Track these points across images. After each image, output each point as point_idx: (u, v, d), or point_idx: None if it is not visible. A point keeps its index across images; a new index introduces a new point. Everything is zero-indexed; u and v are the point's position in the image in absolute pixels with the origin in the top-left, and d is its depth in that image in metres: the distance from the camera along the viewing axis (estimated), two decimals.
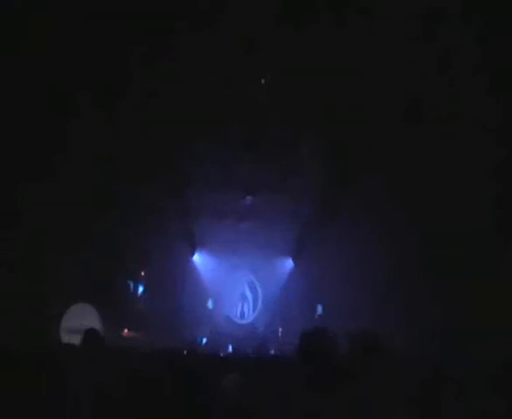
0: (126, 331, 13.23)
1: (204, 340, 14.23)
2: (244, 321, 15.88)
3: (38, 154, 8.84)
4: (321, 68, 8.70)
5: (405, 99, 8.90)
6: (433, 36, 7.98)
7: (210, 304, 15.60)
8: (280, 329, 14.59)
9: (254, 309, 16.08)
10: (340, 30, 7.98)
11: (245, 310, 16.08)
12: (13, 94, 7.91)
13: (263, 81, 9.83)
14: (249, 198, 13.70)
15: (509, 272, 8.74)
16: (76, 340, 5.68)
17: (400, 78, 8.50)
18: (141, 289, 14.65)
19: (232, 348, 13.58)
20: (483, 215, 9.00)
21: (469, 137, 8.54)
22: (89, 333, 5.13)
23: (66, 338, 10.23)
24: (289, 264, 15.86)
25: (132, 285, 14.18)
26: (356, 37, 8.05)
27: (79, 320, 10.48)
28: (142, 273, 14.33)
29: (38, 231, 9.93)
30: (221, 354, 11.75)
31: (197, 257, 15.97)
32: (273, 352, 12.98)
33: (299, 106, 9.60)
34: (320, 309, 14.55)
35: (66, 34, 7.71)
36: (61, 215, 10.24)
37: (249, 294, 16.18)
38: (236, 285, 16.21)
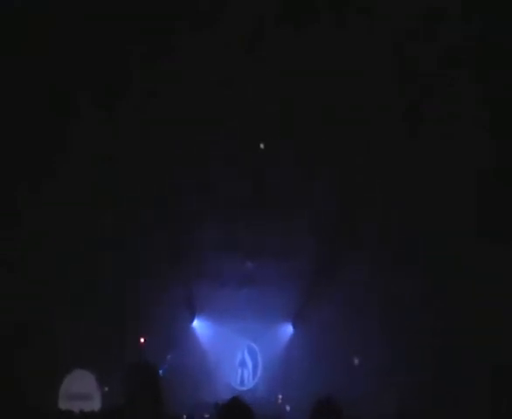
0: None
1: None
2: (244, 388, 15.77)
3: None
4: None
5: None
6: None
7: (209, 370, 15.56)
8: (280, 396, 14.57)
9: (254, 376, 16.07)
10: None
11: (245, 376, 16.07)
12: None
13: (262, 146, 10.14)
14: (250, 264, 13.87)
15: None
16: (75, 406, 5.42)
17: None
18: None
19: None
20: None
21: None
22: None
23: (66, 405, 10.00)
24: (289, 329, 15.89)
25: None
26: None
27: (79, 387, 10.41)
28: (142, 340, 14.10)
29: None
30: None
31: (196, 324, 15.91)
32: None
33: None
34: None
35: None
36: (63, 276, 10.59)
37: (249, 361, 16.16)
38: (236, 352, 16.19)
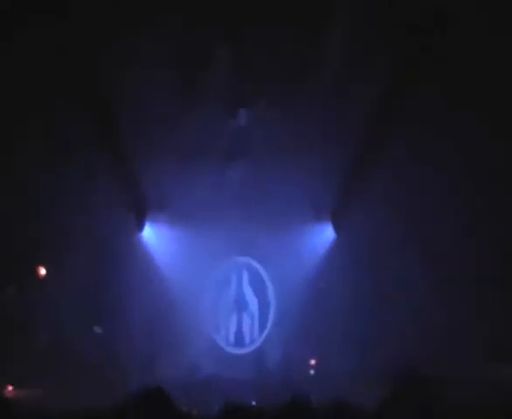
0: (10, 388, 8.11)
1: None
2: (243, 350, 9.11)
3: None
4: None
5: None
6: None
7: (179, 317, 8.88)
8: (313, 361, 8.73)
9: (263, 325, 9.08)
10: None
11: (246, 328, 9.11)
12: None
13: None
14: (243, 113, 8.18)
15: None
16: None
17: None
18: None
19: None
20: None
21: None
22: None
23: None
24: (327, 234, 9.04)
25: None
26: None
27: None
28: (43, 271, 8.51)
29: None
30: None
31: (149, 233, 9.02)
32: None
33: None
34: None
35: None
36: None
37: (251, 298, 9.13)
38: (226, 282, 9.28)
